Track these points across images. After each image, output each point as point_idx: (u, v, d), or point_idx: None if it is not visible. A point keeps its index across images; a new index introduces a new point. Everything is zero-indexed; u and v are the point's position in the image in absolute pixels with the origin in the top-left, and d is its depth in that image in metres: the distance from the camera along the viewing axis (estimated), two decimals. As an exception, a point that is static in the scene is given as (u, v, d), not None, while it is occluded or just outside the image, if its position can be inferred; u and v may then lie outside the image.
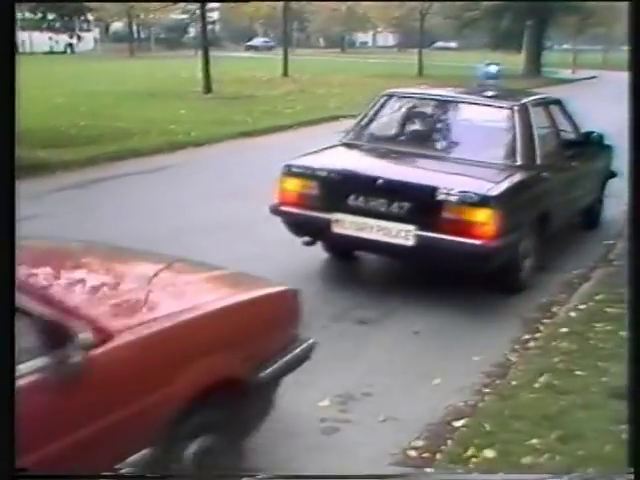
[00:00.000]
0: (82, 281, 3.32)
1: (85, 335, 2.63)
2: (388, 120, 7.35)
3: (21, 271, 2.64)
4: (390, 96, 7.44)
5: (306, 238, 6.61)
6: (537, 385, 4.55)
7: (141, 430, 2.87)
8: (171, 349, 3.05)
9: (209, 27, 28.84)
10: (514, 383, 4.65)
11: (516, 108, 6.76)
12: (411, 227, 5.93)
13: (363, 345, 5.35)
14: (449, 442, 4.01)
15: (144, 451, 2.86)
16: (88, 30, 40.00)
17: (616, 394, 4.21)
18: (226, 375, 3.30)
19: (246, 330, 3.52)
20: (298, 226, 6.56)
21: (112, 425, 2.75)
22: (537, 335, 5.58)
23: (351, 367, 4.95)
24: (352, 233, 6.14)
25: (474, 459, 3.73)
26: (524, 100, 7.10)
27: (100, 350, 2.70)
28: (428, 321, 5.81)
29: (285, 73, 30.82)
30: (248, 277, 4.01)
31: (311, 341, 3.92)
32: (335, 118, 17.98)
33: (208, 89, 22.15)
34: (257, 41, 70.44)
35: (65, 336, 2.57)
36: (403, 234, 5.95)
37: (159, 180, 10.59)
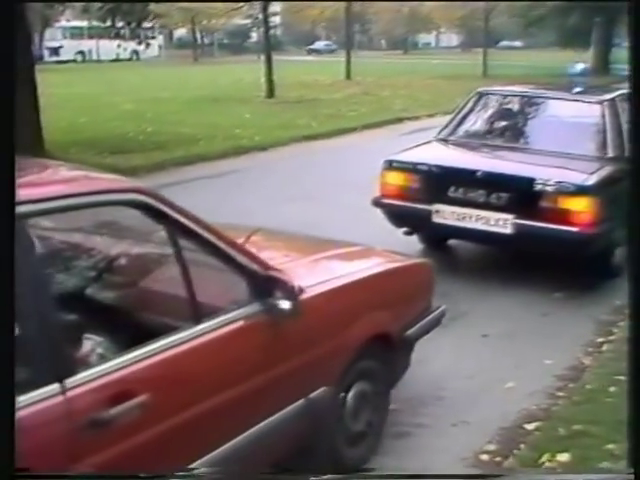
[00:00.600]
0: (264, 252, 3.63)
1: (292, 286, 3.05)
2: (480, 117, 7.65)
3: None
4: (481, 94, 7.75)
5: (406, 229, 7.01)
6: (612, 389, 4.44)
7: (325, 368, 3.44)
8: (346, 303, 3.63)
9: (271, 32, 29.01)
10: (588, 387, 4.55)
11: (606, 103, 7.00)
12: (509, 216, 6.26)
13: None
14: (522, 446, 3.94)
15: (322, 388, 3.39)
16: (153, 37, 40.63)
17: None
18: (383, 329, 3.86)
19: (397, 293, 4.09)
20: (400, 217, 6.94)
21: (306, 362, 3.27)
22: (611, 338, 5.46)
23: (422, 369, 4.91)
24: (452, 223, 6.53)
25: (548, 463, 3.66)
26: (612, 95, 7.28)
27: (301, 299, 3.14)
28: (499, 324, 5.73)
29: (348, 76, 30.79)
30: (389, 251, 4.64)
31: (443, 307, 4.47)
32: (400, 120, 17.95)
33: (271, 93, 22.27)
34: (319, 44, 70.61)
35: (277, 287, 3.04)
36: (502, 223, 6.30)
37: (226, 184, 10.68)
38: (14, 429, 1.77)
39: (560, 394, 4.61)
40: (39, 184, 2.53)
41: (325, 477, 3.50)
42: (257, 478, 2.53)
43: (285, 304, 3.03)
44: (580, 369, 4.97)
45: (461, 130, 7.48)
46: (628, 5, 2.61)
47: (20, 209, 2.09)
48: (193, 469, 2.51)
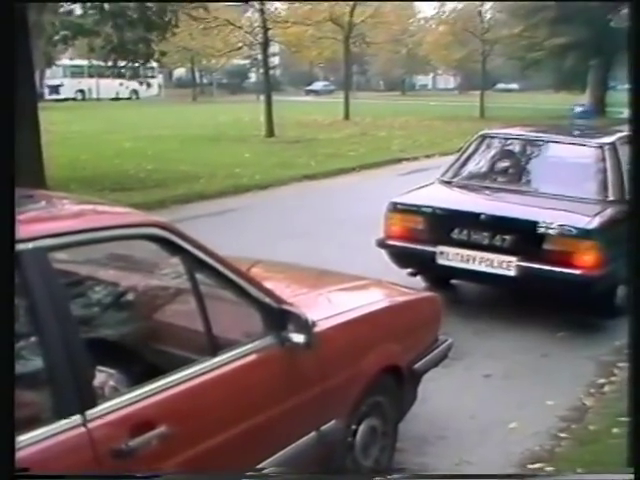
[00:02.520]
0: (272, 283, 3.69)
1: (306, 319, 3.10)
2: (483, 159, 7.72)
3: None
4: (484, 137, 7.83)
5: (410, 270, 7.05)
6: (616, 430, 4.44)
7: (337, 400, 3.48)
8: (358, 336, 3.69)
9: (270, 72, 29.29)
10: (592, 428, 4.55)
11: (606, 147, 7.08)
12: (513, 258, 6.33)
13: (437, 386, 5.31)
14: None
15: (333, 421, 3.44)
16: (153, 77, 40.97)
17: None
18: (394, 362, 3.93)
19: (407, 326, 4.17)
20: (404, 258, 7.00)
21: (319, 394, 3.32)
22: (613, 379, 5.46)
23: (424, 409, 4.91)
24: (456, 264, 6.58)
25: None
26: (613, 138, 7.36)
27: (314, 332, 3.16)
28: (500, 364, 5.75)
29: (346, 116, 31.05)
30: (394, 284, 4.72)
31: (450, 341, 4.52)
32: (398, 160, 18.08)
33: (271, 133, 22.44)
34: (317, 85, 71.23)
35: (291, 320, 3.10)
36: (505, 265, 6.36)
37: (226, 222, 10.71)
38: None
39: (563, 435, 4.61)
40: (59, 218, 2.58)
41: (391, 477, 3.69)
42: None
43: (298, 337, 3.09)
44: (583, 410, 4.97)
45: (464, 172, 7.56)
46: (628, 5, 2.65)
47: (43, 243, 2.13)
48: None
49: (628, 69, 2.62)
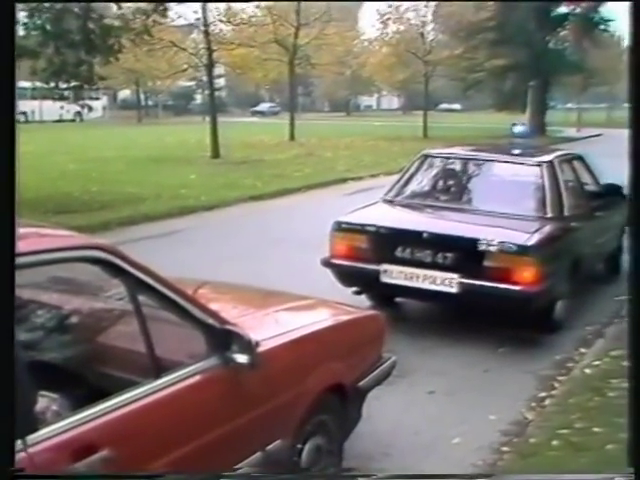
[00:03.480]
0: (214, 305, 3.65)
1: (249, 339, 3.10)
2: (425, 178, 7.84)
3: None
4: (426, 156, 7.94)
5: (355, 288, 7.11)
6: (555, 443, 4.55)
7: (282, 420, 3.50)
8: (302, 355, 3.73)
9: (216, 93, 29.28)
10: (532, 441, 4.65)
11: (544, 164, 7.25)
12: (455, 275, 6.43)
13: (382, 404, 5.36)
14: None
15: (278, 441, 3.44)
16: (97, 98, 40.59)
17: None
18: (338, 380, 3.96)
19: (351, 344, 4.21)
20: (349, 277, 7.06)
21: (264, 414, 3.34)
22: (553, 392, 5.59)
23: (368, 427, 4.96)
24: (400, 282, 6.65)
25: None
26: (551, 156, 7.57)
27: (258, 352, 3.18)
28: (443, 380, 5.83)
29: (292, 137, 31.14)
30: (340, 303, 4.75)
31: (394, 358, 4.58)
32: (343, 180, 18.22)
33: (216, 154, 22.42)
34: (263, 106, 71.37)
35: (234, 340, 3.10)
36: (448, 282, 6.46)
37: (171, 243, 10.68)
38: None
39: (505, 449, 4.69)
40: None
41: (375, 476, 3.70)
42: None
43: (242, 357, 3.09)
44: (524, 424, 5.06)
45: (407, 191, 7.66)
46: (629, 6, 2.70)
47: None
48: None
49: (628, 69, 2.67)
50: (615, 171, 11.95)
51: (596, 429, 4.69)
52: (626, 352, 6.06)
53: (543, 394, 5.59)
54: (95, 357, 3.14)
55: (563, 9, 41.51)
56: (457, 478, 3.84)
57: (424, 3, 37.61)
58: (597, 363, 5.95)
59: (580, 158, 8.49)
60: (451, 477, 3.89)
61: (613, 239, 8.85)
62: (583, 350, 6.49)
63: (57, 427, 2.45)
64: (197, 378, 3.04)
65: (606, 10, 41.37)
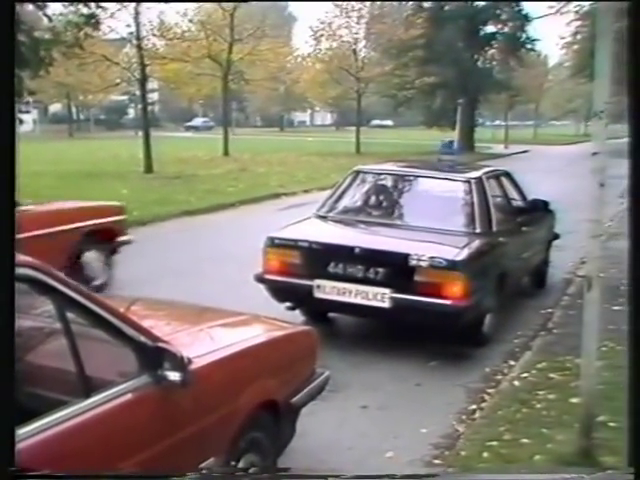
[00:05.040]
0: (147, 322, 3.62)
1: (181, 357, 3.09)
2: (357, 194, 7.88)
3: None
4: (358, 172, 8.01)
5: (289, 303, 7.14)
6: (485, 455, 4.63)
7: (215, 438, 3.48)
8: (234, 372, 3.71)
9: (149, 108, 29.08)
10: (463, 454, 4.72)
11: (473, 181, 7.37)
12: (387, 290, 6.47)
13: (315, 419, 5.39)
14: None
15: (211, 459, 3.41)
16: (27, 112, 39.96)
17: (562, 461, 4.31)
18: (270, 396, 3.96)
19: (283, 360, 4.23)
20: (282, 293, 7.05)
21: (196, 432, 3.31)
22: (483, 405, 5.68)
23: (302, 442, 4.98)
24: (333, 297, 6.68)
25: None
26: (479, 173, 7.71)
27: (190, 369, 3.17)
28: (376, 395, 5.88)
29: (226, 152, 31.11)
30: (273, 319, 4.74)
31: (327, 374, 4.61)
32: (277, 196, 18.28)
33: (149, 169, 22.26)
34: (197, 121, 71.15)
35: (166, 358, 3.08)
36: (379, 297, 6.50)
37: (103, 260, 10.52)
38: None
39: (437, 462, 4.75)
40: None
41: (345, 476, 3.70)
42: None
43: (174, 375, 3.07)
44: (455, 437, 5.13)
45: (339, 206, 7.71)
46: (628, 6, 2.71)
47: None
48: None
49: (628, 70, 2.70)
50: (541, 186, 12.33)
51: (524, 440, 4.80)
52: (552, 365, 6.25)
53: (473, 407, 5.69)
54: (24, 377, 3.09)
55: (491, 28, 42.51)
56: (423, 477, 3.85)
57: (355, 20, 38.01)
58: (525, 375, 6.08)
59: (507, 174, 8.67)
60: (416, 477, 3.90)
61: (539, 253, 9.05)
62: (511, 362, 6.63)
63: None
64: (128, 397, 3.00)
65: (532, 29, 42.51)
